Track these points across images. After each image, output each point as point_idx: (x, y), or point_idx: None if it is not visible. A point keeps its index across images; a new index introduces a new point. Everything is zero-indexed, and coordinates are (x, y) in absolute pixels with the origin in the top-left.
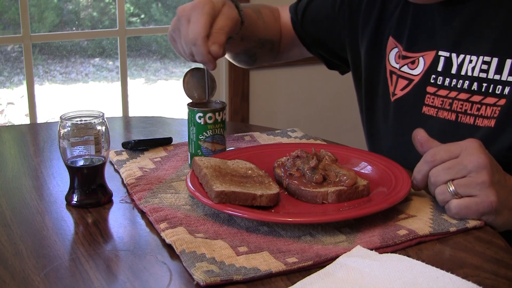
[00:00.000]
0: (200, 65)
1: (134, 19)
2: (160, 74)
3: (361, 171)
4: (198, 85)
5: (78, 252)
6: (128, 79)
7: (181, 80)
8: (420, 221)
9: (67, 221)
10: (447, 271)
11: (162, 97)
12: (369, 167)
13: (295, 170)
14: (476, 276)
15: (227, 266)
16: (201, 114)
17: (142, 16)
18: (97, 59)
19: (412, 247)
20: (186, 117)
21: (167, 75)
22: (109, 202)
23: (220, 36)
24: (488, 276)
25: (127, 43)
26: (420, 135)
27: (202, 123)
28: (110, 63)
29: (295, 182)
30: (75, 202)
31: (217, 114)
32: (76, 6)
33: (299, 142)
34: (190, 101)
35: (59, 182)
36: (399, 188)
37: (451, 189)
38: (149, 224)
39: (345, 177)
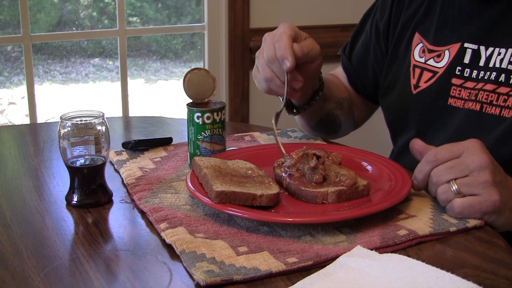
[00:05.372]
0: (201, 66)
1: (133, 19)
2: (160, 74)
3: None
4: (199, 85)
5: (78, 252)
6: (128, 79)
7: (181, 80)
8: (420, 221)
9: (67, 221)
10: (447, 271)
11: (162, 97)
12: (369, 167)
13: (295, 170)
14: (476, 276)
15: (227, 266)
16: (199, 114)
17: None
18: (97, 59)
19: (412, 247)
20: (186, 117)
21: (167, 75)
22: (109, 202)
23: (303, 47)
24: (488, 276)
25: (127, 43)
26: (417, 145)
27: (200, 123)
28: (110, 63)
29: (295, 182)
30: (75, 202)
31: (215, 114)
32: (76, 6)
33: (299, 142)
34: (190, 101)
35: (59, 182)
36: (399, 188)
37: (453, 188)
38: (149, 224)
39: (345, 177)
